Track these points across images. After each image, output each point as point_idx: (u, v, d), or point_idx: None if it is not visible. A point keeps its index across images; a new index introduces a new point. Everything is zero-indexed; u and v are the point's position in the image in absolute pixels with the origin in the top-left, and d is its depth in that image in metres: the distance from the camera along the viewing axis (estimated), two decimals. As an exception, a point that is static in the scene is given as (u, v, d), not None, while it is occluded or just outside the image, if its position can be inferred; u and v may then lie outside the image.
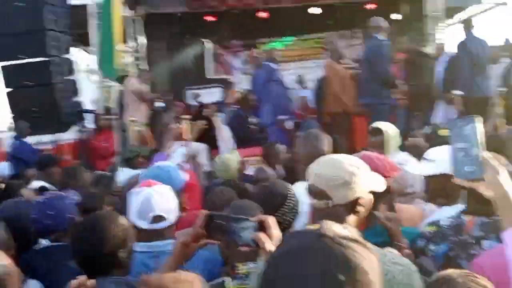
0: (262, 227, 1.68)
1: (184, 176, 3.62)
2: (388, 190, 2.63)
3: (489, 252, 2.09)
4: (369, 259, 1.04)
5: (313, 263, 1.00)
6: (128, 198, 2.84)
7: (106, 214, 2.63)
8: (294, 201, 2.71)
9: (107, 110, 10.39)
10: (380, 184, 2.20)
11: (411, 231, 2.63)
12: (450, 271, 1.58)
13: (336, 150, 4.90)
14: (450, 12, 16.38)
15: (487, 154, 1.56)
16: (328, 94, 7.95)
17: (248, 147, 7.78)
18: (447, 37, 15.14)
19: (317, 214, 1.98)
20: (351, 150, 7.07)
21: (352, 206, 1.99)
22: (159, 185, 2.89)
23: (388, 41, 6.96)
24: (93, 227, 2.30)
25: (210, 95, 12.57)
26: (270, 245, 1.62)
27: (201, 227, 1.81)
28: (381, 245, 2.35)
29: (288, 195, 2.71)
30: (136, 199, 2.77)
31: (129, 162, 6.61)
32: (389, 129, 4.31)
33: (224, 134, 8.21)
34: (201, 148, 8.74)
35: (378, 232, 2.56)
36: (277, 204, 2.63)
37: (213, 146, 8.62)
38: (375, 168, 2.56)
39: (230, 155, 5.34)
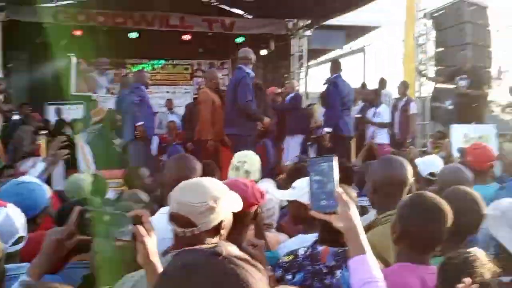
0: (138, 221, 1.69)
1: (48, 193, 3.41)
2: (256, 216, 2.72)
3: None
4: (260, 279, 1.05)
5: (205, 281, 1.00)
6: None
7: None
8: None
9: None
10: (238, 203, 2.22)
11: (273, 256, 2.70)
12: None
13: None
14: (313, 53, 17.49)
15: (340, 190, 1.70)
16: (200, 121, 7.97)
17: (111, 168, 7.52)
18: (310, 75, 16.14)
19: (180, 242, 1.91)
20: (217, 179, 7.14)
21: (215, 230, 1.98)
22: (12, 204, 2.68)
23: (251, 73, 7.05)
24: None
25: (73, 112, 12.11)
26: (149, 238, 1.65)
27: (75, 224, 1.77)
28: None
29: None
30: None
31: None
32: (252, 159, 4.40)
33: (85, 153, 7.90)
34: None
35: None
36: None
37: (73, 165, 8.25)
38: (243, 194, 2.62)
39: (83, 175, 5.08)
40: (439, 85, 9.98)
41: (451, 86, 9.05)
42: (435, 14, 10.26)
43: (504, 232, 2.29)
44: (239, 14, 14.58)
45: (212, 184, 2.04)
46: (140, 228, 1.65)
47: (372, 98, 9.53)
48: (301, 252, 2.42)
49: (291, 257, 2.46)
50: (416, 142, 9.72)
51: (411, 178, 2.90)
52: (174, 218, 1.95)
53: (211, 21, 13.50)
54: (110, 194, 5.74)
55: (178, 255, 1.11)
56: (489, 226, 2.42)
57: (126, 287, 1.89)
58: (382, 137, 8.85)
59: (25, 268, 1.93)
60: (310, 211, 1.73)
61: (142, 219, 1.69)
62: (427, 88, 10.33)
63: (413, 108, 9.06)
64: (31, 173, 4.72)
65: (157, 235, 2.86)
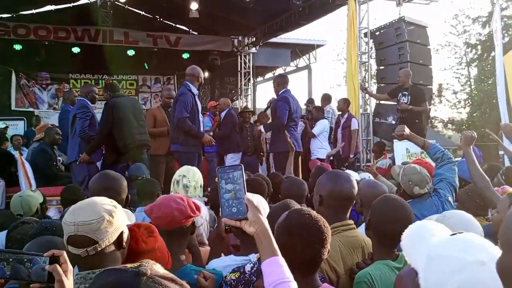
0: (56, 261, 1.64)
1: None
2: (193, 230, 2.74)
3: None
4: None
5: None
6: None
7: None
8: None
9: None
10: (131, 217, 2.21)
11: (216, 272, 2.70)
12: None
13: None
14: (260, 70, 17.73)
15: (249, 196, 1.73)
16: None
17: (52, 185, 7.29)
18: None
19: (86, 263, 1.90)
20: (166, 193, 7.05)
21: (118, 243, 1.98)
22: None
23: (194, 90, 7.05)
24: None
25: (13, 128, 11.74)
26: (65, 279, 1.61)
27: None
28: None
29: None
30: None
31: None
32: (192, 175, 4.41)
33: (26, 170, 7.64)
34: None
35: (184, 274, 2.61)
36: None
37: (13, 182, 7.98)
38: (179, 207, 2.64)
39: (33, 193, 4.93)
40: (381, 102, 10.26)
41: (393, 103, 9.34)
42: (377, 33, 10.58)
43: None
44: (185, 30, 14.60)
45: (102, 200, 2.03)
46: (58, 268, 1.61)
47: (315, 115, 9.68)
48: (247, 268, 2.41)
49: (237, 274, 2.44)
50: (359, 157, 9.95)
51: (355, 192, 2.97)
52: (73, 241, 1.91)
53: (156, 37, 13.48)
54: (51, 212, 5.59)
55: (101, 275, 1.09)
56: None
57: None
58: (322, 153, 9.02)
59: None
60: (221, 218, 1.76)
61: (59, 259, 1.65)
62: (371, 105, 10.59)
63: (355, 124, 9.26)
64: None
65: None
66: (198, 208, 2.71)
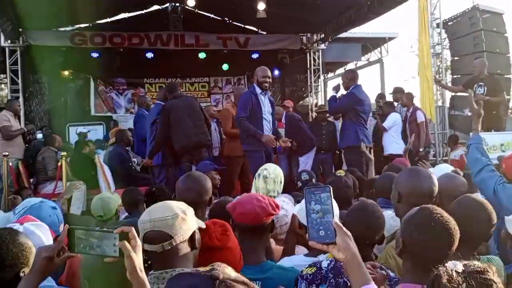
0: (125, 237, 1.72)
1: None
2: (273, 228, 2.79)
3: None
4: None
5: None
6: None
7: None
8: None
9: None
10: (201, 223, 2.27)
11: (292, 270, 2.73)
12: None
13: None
14: (330, 66, 17.56)
15: (337, 220, 1.73)
16: (226, 138, 8.34)
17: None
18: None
19: (159, 260, 1.98)
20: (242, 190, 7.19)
21: (191, 242, 2.05)
22: (32, 222, 2.75)
23: (255, 90, 7.10)
24: None
25: (93, 132, 12.28)
26: (134, 254, 1.68)
27: (64, 241, 1.81)
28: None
29: None
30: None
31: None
32: (272, 168, 4.43)
33: (105, 173, 7.99)
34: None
35: (265, 269, 2.67)
36: None
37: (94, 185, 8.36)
38: (260, 205, 2.70)
39: (112, 195, 5.11)
40: (457, 94, 9.93)
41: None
42: (449, 23, 10.23)
43: None
44: (254, 31, 14.70)
45: (176, 202, 2.13)
46: (126, 244, 1.69)
47: (386, 110, 9.49)
48: (324, 264, 2.43)
49: (314, 269, 2.46)
50: (430, 151, 9.66)
51: (436, 191, 2.90)
52: (149, 237, 1.99)
53: (225, 39, 13.64)
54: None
55: (174, 280, 1.13)
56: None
57: None
58: (395, 148, 8.83)
59: None
60: (308, 240, 1.75)
61: (128, 235, 1.73)
62: (446, 97, 10.28)
63: (420, 117, 9.00)
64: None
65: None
66: (277, 206, 2.79)
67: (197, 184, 3.27)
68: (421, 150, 8.87)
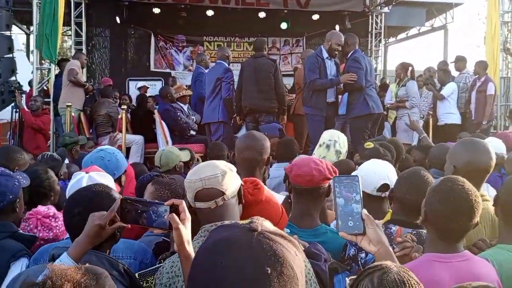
0: (175, 210, 1.76)
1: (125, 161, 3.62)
2: (329, 192, 2.79)
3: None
4: (295, 255, 1.08)
5: (244, 256, 1.03)
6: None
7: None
8: None
9: (44, 92, 10.09)
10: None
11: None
12: (387, 262, 1.58)
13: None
14: (392, 31, 17.06)
15: (365, 212, 1.71)
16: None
17: (186, 143, 7.71)
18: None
19: (211, 216, 2.01)
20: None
21: (239, 197, 2.10)
22: (97, 172, 2.88)
23: (322, 54, 7.04)
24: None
25: (152, 88, 12.51)
26: (183, 227, 1.71)
27: (116, 211, 1.86)
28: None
29: None
30: (71, 183, 2.84)
31: (66, 149, 6.36)
32: (343, 140, 4.38)
33: (163, 129, 8.15)
34: (137, 139, 8.67)
35: (319, 233, 2.71)
36: None
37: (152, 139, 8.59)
38: (318, 168, 2.71)
39: (177, 151, 5.16)
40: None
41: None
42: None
43: None
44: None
45: (217, 161, 2.16)
46: (175, 217, 1.72)
47: (443, 78, 9.19)
48: None
49: None
50: (495, 124, 9.37)
51: (494, 164, 2.82)
52: (201, 195, 2.03)
53: (286, -2, 13.39)
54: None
55: (215, 230, 1.14)
56: None
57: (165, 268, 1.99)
58: (451, 117, 8.63)
59: (67, 246, 2.00)
60: (337, 231, 1.75)
61: (178, 208, 1.76)
62: None
63: (491, 89, 8.68)
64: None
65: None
66: (335, 171, 2.77)
67: (257, 142, 3.27)
68: (484, 123, 8.61)
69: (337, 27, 13.12)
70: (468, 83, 9.25)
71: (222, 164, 2.10)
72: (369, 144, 4.09)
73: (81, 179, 2.81)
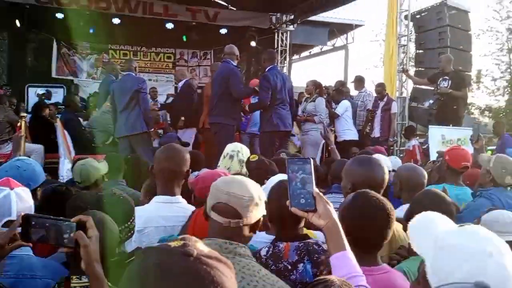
0: (82, 227, 1.69)
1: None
2: None
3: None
4: (231, 276, 1.04)
5: (178, 283, 0.97)
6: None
7: None
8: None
9: None
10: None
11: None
12: (331, 276, 1.62)
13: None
14: (296, 48, 17.61)
15: (317, 190, 1.83)
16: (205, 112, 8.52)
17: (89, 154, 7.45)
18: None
19: (221, 232, 1.95)
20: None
21: (254, 226, 2.04)
22: (21, 188, 2.70)
23: (236, 67, 7.32)
24: None
25: (54, 95, 12.04)
26: (91, 244, 1.65)
27: (17, 228, 1.74)
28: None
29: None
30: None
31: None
32: (245, 150, 4.45)
33: (65, 137, 7.86)
34: (36, 148, 8.32)
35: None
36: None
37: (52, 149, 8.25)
38: None
39: (97, 164, 4.94)
40: (419, 86, 10.18)
41: (430, 88, 9.26)
42: (417, 16, 10.42)
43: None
44: (224, 6, 14.59)
45: (254, 183, 2.09)
46: (82, 235, 1.66)
47: (335, 97, 9.68)
48: (263, 252, 2.39)
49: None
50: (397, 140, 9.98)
51: (387, 180, 2.97)
52: (220, 208, 1.97)
53: (194, 11, 13.45)
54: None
55: (147, 252, 1.06)
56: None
57: None
58: (349, 134, 9.05)
59: None
60: (289, 208, 1.82)
61: (86, 225, 1.70)
62: (407, 89, 10.52)
63: (394, 108, 9.26)
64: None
65: (151, 224, 2.93)
66: None
67: (176, 154, 3.21)
68: (391, 139, 9.20)
69: (252, 43, 13.47)
70: (366, 102, 9.76)
71: (256, 189, 2.04)
72: (254, 156, 4.21)
73: (8, 196, 2.57)
